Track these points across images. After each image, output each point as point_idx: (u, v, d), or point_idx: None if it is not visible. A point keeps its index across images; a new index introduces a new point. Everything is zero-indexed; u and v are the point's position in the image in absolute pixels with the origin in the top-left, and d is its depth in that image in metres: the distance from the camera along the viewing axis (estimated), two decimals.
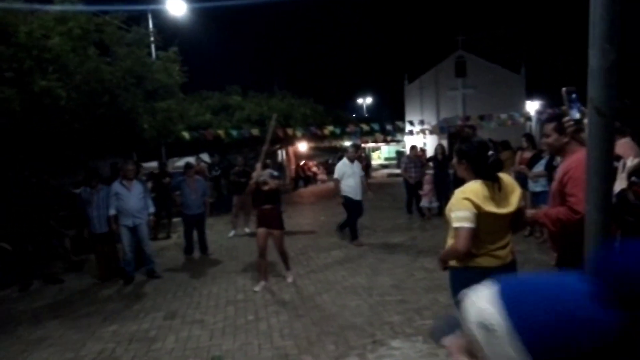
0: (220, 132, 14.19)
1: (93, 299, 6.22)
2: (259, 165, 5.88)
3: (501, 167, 2.71)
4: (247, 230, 10.16)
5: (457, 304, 2.81)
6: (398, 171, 23.86)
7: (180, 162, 15.73)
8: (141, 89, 7.44)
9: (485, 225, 2.61)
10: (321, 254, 7.76)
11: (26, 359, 4.33)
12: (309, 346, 4.12)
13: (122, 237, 6.78)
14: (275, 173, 6.11)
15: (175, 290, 6.25)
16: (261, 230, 5.78)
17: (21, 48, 5.17)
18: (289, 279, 6.14)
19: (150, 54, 8.50)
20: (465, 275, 2.68)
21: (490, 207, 2.58)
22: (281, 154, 23.10)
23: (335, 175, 8.09)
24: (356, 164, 8.28)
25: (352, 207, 8.09)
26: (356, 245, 8.02)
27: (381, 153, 41.70)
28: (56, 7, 5.84)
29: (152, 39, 8.86)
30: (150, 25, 10.30)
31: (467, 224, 2.54)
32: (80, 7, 6.11)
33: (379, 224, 10.24)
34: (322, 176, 27.38)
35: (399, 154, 32.08)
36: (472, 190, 2.62)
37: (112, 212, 6.73)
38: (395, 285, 5.71)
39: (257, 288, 5.87)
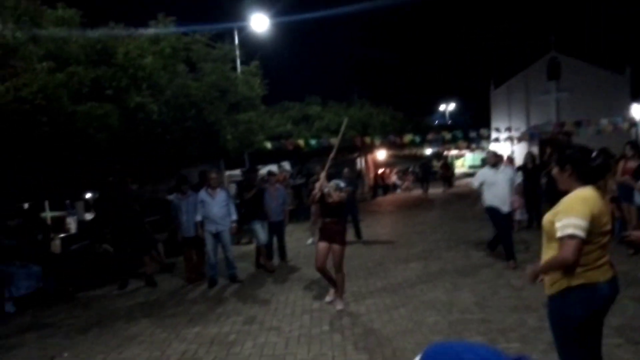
0: (300, 141, 14.52)
1: (180, 300, 6.60)
2: (323, 175, 5.53)
3: (609, 169, 2.54)
4: None
5: (567, 326, 2.49)
6: None
7: (263, 171, 16.35)
8: (225, 102, 7.85)
9: (598, 234, 2.40)
10: (399, 265, 7.57)
11: (121, 354, 4.68)
12: None
13: (206, 242, 7.15)
14: (342, 184, 5.64)
15: (255, 295, 6.43)
16: (322, 245, 5.44)
17: (119, 68, 5.72)
18: (338, 306, 5.45)
19: (234, 68, 8.95)
20: (584, 294, 2.42)
21: (604, 214, 2.41)
22: (360, 162, 23.07)
23: (475, 184, 7.27)
24: (503, 170, 7.21)
25: (497, 220, 7.05)
26: (511, 267, 6.71)
27: (465, 161, 40.12)
28: (150, 30, 6.38)
29: (236, 53, 9.37)
30: (235, 41, 10.85)
31: (580, 233, 2.31)
32: (171, 29, 6.63)
33: (462, 236, 9.78)
34: (407, 184, 26.86)
35: (484, 161, 30.66)
36: (587, 196, 2.41)
37: (198, 218, 7.12)
38: (477, 302, 5.37)
39: (328, 299, 5.81)
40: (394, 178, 27.10)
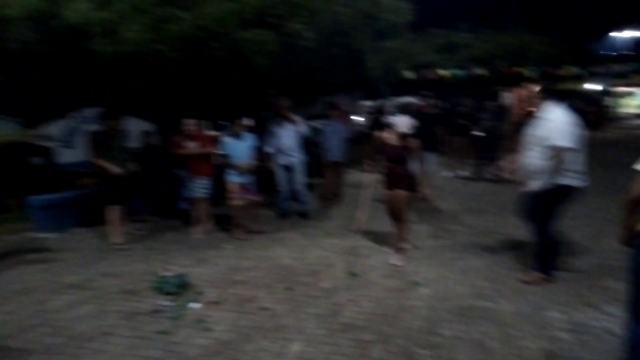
0: (444, 72, 13.94)
1: (320, 216, 7.20)
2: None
3: None
4: (461, 173, 10.19)
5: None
6: None
7: (401, 101, 16.17)
8: (370, 29, 7.87)
9: None
10: None
11: (268, 250, 5.58)
12: (511, 293, 4.10)
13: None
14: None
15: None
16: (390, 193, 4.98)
17: None
18: (392, 260, 4.94)
19: None
20: None
21: None
22: (505, 97, 21.29)
23: None
24: None
25: None
26: None
27: (636, 100, 33.99)
28: None
29: None
30: None
31: None
32: None
33: None
34: None
35: None
36: None
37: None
38: None
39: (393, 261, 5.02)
40: None
